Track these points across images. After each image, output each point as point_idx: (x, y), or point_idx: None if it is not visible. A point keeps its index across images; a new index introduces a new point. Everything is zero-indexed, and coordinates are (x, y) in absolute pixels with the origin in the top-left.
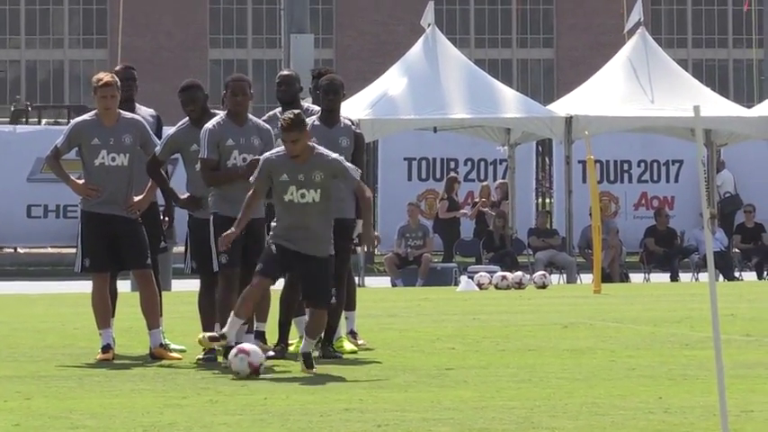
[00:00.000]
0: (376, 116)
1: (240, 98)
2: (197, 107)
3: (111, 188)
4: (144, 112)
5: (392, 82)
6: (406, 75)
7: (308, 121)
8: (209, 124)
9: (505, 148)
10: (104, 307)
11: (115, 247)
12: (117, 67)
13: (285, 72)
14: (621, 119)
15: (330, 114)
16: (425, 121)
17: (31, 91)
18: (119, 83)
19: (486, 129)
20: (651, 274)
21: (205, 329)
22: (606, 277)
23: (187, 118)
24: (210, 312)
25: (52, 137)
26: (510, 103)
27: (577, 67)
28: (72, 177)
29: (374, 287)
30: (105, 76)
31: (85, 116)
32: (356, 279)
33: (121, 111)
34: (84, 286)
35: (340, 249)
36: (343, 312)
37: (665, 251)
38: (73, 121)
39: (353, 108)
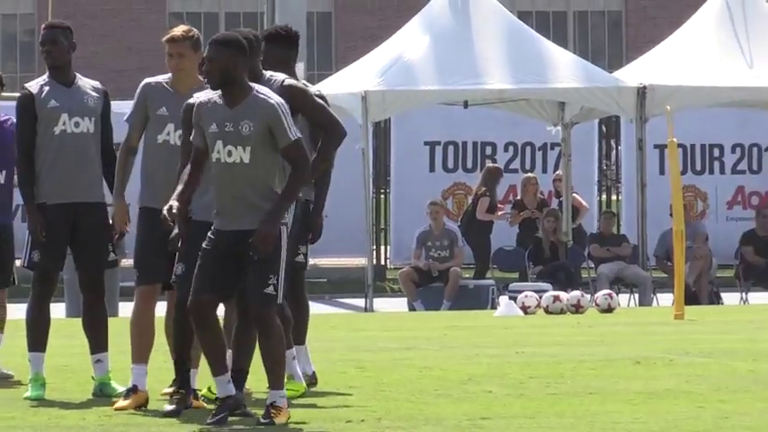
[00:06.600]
0: (388, 87)
1: None
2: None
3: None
4: (85, 84)
5: (409, 42)
6: (427, 32)
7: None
8: None
9: (558, 128)
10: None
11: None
12: (43, 25)
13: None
14: (712, 90)
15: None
16: (453, 94)
17: None
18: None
19: (532, 103)
20: (750, 293)
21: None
22: (692, 297)
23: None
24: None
25: None
26: (564, 68)
27: (653, 22)
28: None
29: (386, 311)
30: (177, 30)
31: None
32: (364, 301)
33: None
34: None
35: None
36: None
37: None
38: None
39: (359, 77)
